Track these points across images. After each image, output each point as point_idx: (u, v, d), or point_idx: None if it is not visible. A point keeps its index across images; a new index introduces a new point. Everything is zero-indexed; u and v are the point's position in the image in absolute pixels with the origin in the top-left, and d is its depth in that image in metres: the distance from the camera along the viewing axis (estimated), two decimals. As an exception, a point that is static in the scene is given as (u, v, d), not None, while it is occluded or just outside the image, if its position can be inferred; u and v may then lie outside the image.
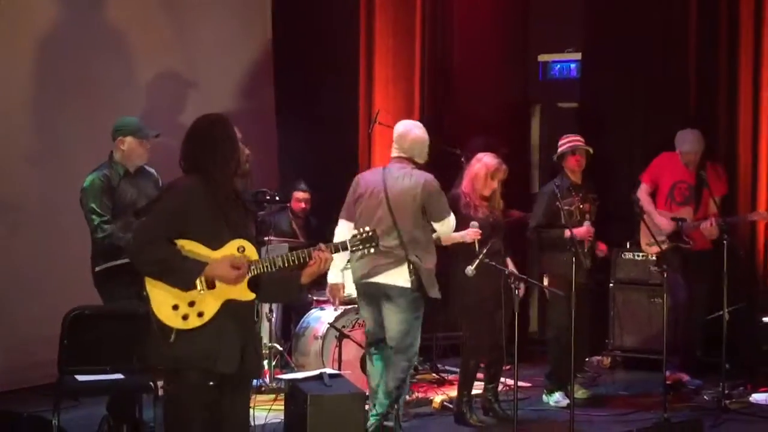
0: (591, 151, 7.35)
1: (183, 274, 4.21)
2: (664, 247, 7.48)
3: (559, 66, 10.06)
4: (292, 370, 7.34)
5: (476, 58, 9.57)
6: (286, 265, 4.34)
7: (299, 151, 9.03)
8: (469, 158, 8.04)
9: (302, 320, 7.72)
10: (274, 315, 7.42)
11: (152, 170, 6.55)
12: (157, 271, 4.20)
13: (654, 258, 8.01)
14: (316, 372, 6.19)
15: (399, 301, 6.21)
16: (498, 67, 9.65)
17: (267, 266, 4.32)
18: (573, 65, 9.87)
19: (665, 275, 6.81)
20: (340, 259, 5.96)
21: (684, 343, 7.89)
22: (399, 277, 6.18)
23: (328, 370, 6.24)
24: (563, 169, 7.34)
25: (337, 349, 7.07)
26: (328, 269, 4.66)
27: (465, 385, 6.83)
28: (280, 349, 7.63)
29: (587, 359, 8.03)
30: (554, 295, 6.99)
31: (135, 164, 6.29)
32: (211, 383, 4.25)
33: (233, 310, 4.30)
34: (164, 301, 4.24)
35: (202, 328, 4.25)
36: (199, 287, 4.25)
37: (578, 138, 7.36)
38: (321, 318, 7.54)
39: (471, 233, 6.59)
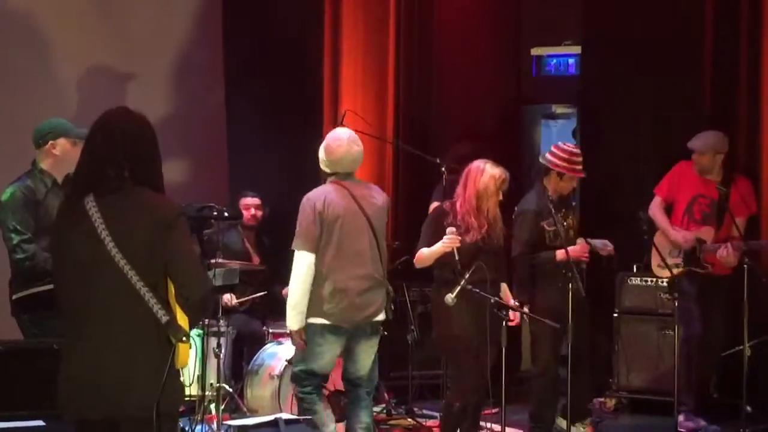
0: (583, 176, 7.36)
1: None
2: (675, 271, 7.52)
3: (555, 61, 10.16)
4: (243, 415, 7.30)
5: (459, 52, 9.62)
6: None
7: (253, 162, 9.04)
8: (452, 169, 8.11)
9: (255, 356, 7.70)
10: (223, 350, 7.39)
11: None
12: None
13: (664, 283, 8.05)
14: (271, 417, 6.17)
15: (376, 338, 6.37)
16: (485, 63, 9.71)
17: None
18: (571, 60, 9.97)
19: (676, 303, 6.86)
20: (300, 302, 6.12)
21: (699, 382, 7.93)
22: (382, 308, 6.33)
23: (285, 415, 6.25)
24: (542, 181, 7.32)
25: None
26: None
27: None
28: (230, 390, 7.61)
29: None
30: (539, 329, 7.04)
31: (67, 171, 6.30)
32: None
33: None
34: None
35: None
36: None
37: (577, 159, 7.29)
38: (277, 354, 7.53)
39: (447, 242, 6.57)
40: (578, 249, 7.18)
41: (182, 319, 4.11)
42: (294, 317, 6.20)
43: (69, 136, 6.24)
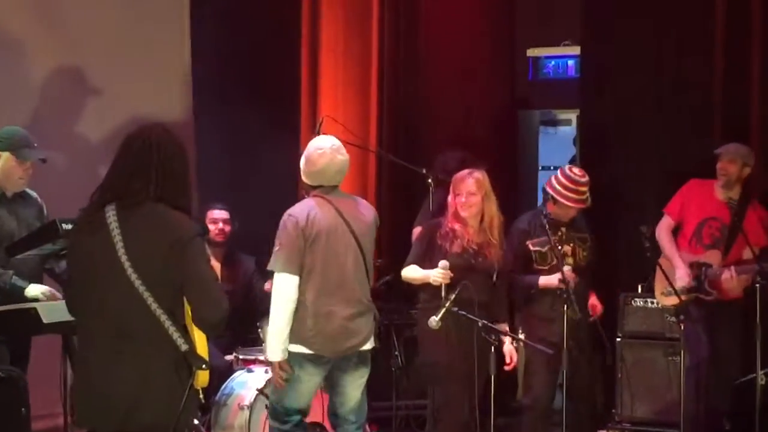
0: (586, 204, 7.36)
1: None
2: (684, 297, 7.54)
3: (553, 63, 10.19)
4: (211, 449, 7.35)
5: (449, 52, 9.67)
6: None
7: (223, 171, 9.06)
8: (440, 181, 8.14)
9: (224, 385, 7.69)
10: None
11: (34, 194, 6.58)
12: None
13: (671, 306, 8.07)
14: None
15: (365, 368, 6.32)
16: (477, 65, 9.76)
17: None
18: (571, 62, 10.00)
19: (683, 327, 6.89)
20: (282, 329, 6.07)
21: (708, 413, 7.92)
22: (370, 336, 6.30)
23: (254, 449, 6.28)
24: (545, 201, 7.39)
25: (267, 421, 7.06)
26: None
27: None
28: (196, 422, 7.60)
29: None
30: (531, 356, 7.08)
31: (11, 189, 6.32)
32: None
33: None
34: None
35: None
36: None
37: (572, 185, 7.25)
38: (247, 383, 7.51)
39: (436, 275, 6.65)
40: (551, 278, 7.14)
41: (200, 339, 4.42)
42: (275, 347, 6.13)
43: (16, 153, 6.26)
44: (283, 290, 6.12)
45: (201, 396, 4.58)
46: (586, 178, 7.28)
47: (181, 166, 4.51)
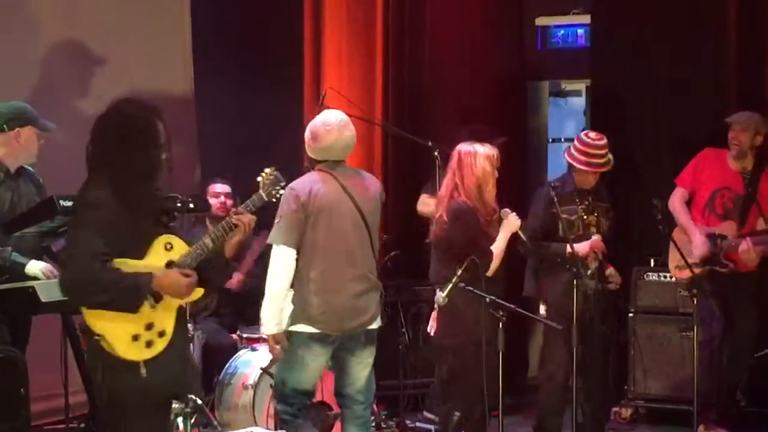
0: (607, 168, 7.36)
1: (132, 294, 4.64)
2: (698, 270, 7.51)
3: (562, 32, 10.16)
4: (215, 430, 7.33)
5: (456, 23, 9.62)
6: (216, 243, 4.91)
7: (225, 145, 9.05)
8: (445, 154, 8.09)
9: (228, 364, 7.71)
10: (191, 357, 7.39)
11: (32, 170, 6.58)
12: (106, 300, 4.59)
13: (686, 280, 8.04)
14: (243, 431, 6.20)
15: (372, 347, 6.29)
16: (485, 35, 9.71)
17: (200, 253, 4.83)
18: (580, 31, 9.96)
19: (696, 302, 6.87)
20: (276, 303, 6.06)
21: (722, 389, 7.92)
22: (378, 314, 6.26)
23: (259, 430, 6.25)
24: (569, 169, 7.40)
25: (273, 403, 7.06)
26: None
27: None
28: (200, 402, 7.58)
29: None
30: (550, 329, 7.04)
31: (21, 163, 6.34)
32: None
33: (181, 317, 4.85)
34: (121, 335, 4.66)
35: (167, 348, 4.75)
36: (150, 303, 4.71)
37: (589, 150, 7.27)
38: (252, 362, 7.52)
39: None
40: (586, 246, 7.18)
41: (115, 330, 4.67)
42: (270, 320, 6.12)
43: (37, 125, 6.28)
44: (279, 263, 6.09)
45: None
46: (603, 141, 7.29)
47: (107, 136, 4.77)
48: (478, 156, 6.76)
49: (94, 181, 4.75)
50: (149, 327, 4.69)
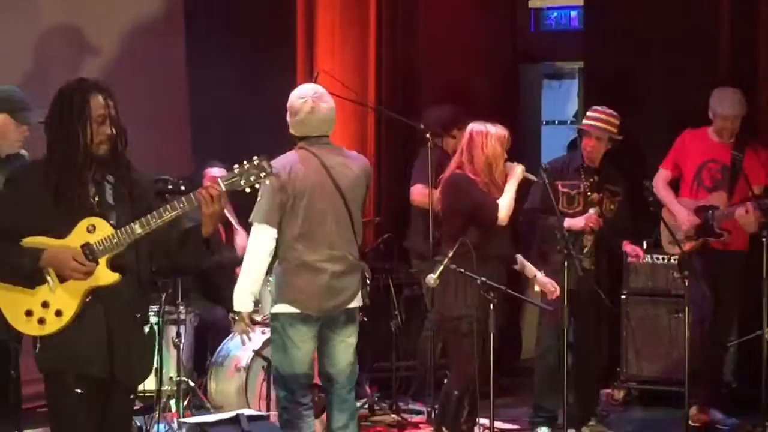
0: (615, 137, 7.50)
1: (18, 269, 4.66)
2: (693, 242, 7.56)
3: (556, 14, 10.18)
4: (207, 412, 7.33)
5: (449, 5, 9.66)
6: (146, 228, 4.70)
7: (217, 126, 9.05)
8: (437, 134, 8.12)
9: (221, 347, 7.72)
10: (183, 340, 7.38)
11: (27, 155, 6.58)
12: None
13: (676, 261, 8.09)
14: (232, 413, 6.20)
15: (353, 326, 6.29)
16: (478, 16, 9.74)
17: (125, 238, 4.68)
18: (573, 12, 9.98)
19: (687, 283, 6.91)
20: (250, 281, 6.08)
21: (712, 370, 7.98)
22: (357, 293, 6.24)
23: (248, 411, 6.27)
24: (578, 144, 7.56)
25: (264, 383, 7.09)
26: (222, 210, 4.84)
27: (445, 423, 6.83)
28: (192, 384, 7.64)
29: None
30: (544, 309, 7.09)
31: (5, 151, 6.32)
32: (79, 391, 4.68)
33: (98, 300, 4.73)
34: (15, 309, 4.72)
35: (66, 328, 4.68)
36: (50, 282, 4.68)
37: (601, 115, 7.44)
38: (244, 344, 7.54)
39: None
40: (581, 220, 7.24)
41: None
42: (242, 297, 6.13)
43: (14, 115, 6.25)
44: (256, 241, 6.12)
45: None
46: (616, 114, 7.50)
47: (50, 113, 4.83)
48: (489, 136, 6.76)
49: (36, 158, 4.89)
50: (45, 305, 4.69)
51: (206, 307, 8.25)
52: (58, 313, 4.68)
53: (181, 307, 7.48)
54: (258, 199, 6.10)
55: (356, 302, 6.26)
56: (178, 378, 7.42)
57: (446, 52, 9.58)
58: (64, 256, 4.66)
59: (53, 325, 4.68)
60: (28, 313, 4.69)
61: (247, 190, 4.80)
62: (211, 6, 9.40)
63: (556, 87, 10.88)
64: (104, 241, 4.70)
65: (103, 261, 4.70)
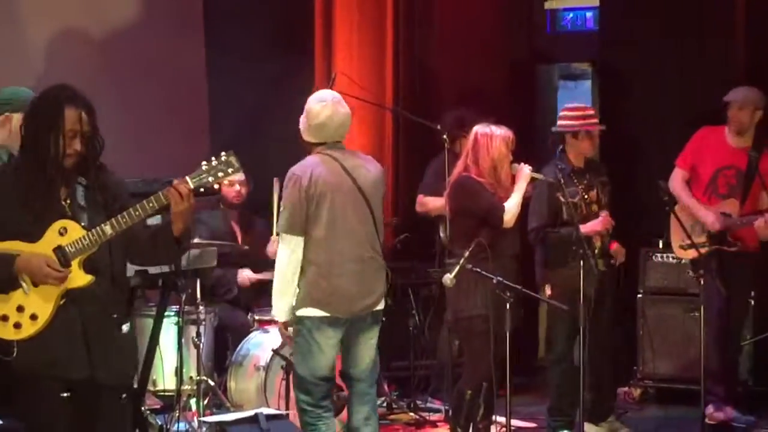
0: (603, 128, 7.48)
1: None
2: (703, 250, 7.57)
3: (571, 15, 10.18)
4: (227, 411, 7.40)
5: (465, 7, 9.66)
6: (116, 229, 4.70)
7: (235, 130, 9.05)
8: (454, 136, 8.16)
9: (240, 346, 7.78)
10: (203, 339, 7.46)
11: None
12: None
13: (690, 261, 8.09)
14: (251, 413, 6.25)
15: (377, 328, 6.33)
16: (494, 18, 9.75)
17: (96, 239, 4.68)
18: (589, 14, 9.99)
19: (702, 282, 6.94)
20: (285, 290, 6.12)
21: (728, 368, 7.98)
22: (383, 296, 6.29)
23: (266, 410, 6.31)
24: (563, 150, 7.46)
25: (283, 382, 7.13)
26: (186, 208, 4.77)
27: (459, 422, 6.86)
28: (212, 384, 7.67)
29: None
30: (556, 310, 7.12)
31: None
32: (65, 394, 4.69)
33: (72, 302, 4.73)
34: None
35: (42, 332, 4.70)
36: (24, 287, 4.71)
37: (590, 113, 7.46)
38: (263, 343, 7.58)
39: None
40: (598, 224, 7.28)
41: None
42: (281, 307, 6.18)
43: None
44: (285, 251, 6.13)
45: None
46: (589, 106, 7.50)
47: (24, 121, 4.88)
48: (494, 138, 6.82)
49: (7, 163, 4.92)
50: (20, 309, 4.70)
51: (226, 306, 8.33)
52: (33, 317, 4.70)
53: (201, 307, 7.54)
54: (281, 209, 6.17)
55: (382, 304, 6.30)
56: (198, 377, 7.47)
57: (463, 53, 9.61)
58: (37, 262, 4.67)
59: (29, 329, 4.69)
60: (4, 318, 4.71)
61: (216, 186, 4.79)
62: (230, 10, 9.44)
63: (572, 87, 10.89)
64: (76, 243, 4.71)
65: (76, 263, 4.72)
